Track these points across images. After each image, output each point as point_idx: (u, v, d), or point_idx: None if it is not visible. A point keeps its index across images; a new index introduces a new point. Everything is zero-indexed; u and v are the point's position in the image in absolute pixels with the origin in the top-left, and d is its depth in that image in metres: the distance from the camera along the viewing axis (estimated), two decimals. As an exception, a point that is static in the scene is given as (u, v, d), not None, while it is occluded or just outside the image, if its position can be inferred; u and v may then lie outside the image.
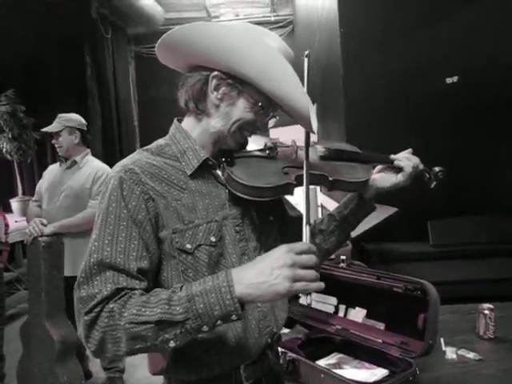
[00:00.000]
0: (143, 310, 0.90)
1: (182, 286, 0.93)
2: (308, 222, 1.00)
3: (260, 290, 0.89)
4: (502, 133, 3.49)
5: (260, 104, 1.09)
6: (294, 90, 1.05)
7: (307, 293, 0.91)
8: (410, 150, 1.35)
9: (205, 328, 0.91)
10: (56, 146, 3.13)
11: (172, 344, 0.91)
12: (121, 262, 0.96)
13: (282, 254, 0.89)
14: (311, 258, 0.90)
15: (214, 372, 1.08)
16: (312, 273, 0.89)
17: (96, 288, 0.94)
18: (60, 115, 3.15)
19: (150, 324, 0.89)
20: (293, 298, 2.07)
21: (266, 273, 0.89)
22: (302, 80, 1.09)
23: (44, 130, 3.16)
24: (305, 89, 1.14)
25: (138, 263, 0.97)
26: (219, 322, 0.91)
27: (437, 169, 1.38)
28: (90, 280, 0.95)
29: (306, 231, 0.99)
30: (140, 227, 0.99)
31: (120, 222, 0.98)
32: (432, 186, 1.38)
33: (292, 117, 1.15)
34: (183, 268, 1.04)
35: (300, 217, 1.31)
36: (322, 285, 0.90)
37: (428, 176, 1.38)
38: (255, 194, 1.09)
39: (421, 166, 1.33)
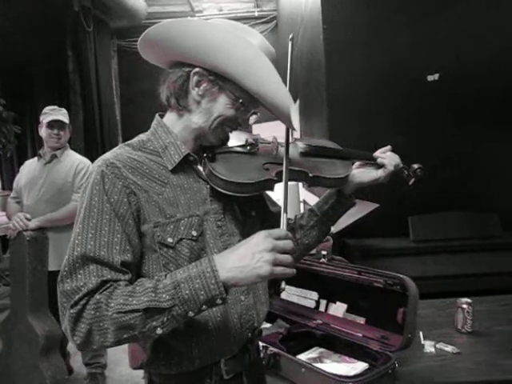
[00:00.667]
0: (130, 299, 0.91)
1: (166, 275, 0.95)
2: (285, 211, 1.03)
3: (243, 273, 0.92)
4: (483, 130, 3.53)
5: (241, 100, 1.10)
6: (274, 87, 1.06)
7: (283, 278, 0.95)
8: (389, 147, 1.37)
9: (190, 313, 0.93)
10: (55, 138, 3.10)
11: (159, 331, 0.93)
12: (105, 255, 0.96)
13: (262, 239, 0.93)
14: (289, 244, 0.94)
15: (195, 365, 1.08)
16: (289, 257, 0.93)
17: (80, 281, 0.94)
18: (58, 108, 3.16)
19: (138, 312, 0.91)
20: (275, 292, 2.09)
21: (247, 257, 0.92)
22: (285, 64, 1.10)
23: (57, 118, 3.09)
24: (288, 72, 1.16)
25: (121, 256, 0.98)
26: (204, 306, 0.93)
27: (415, 166, 1.40)
28: (74, 273, 0.95)
29: (283, 219, 1.02)
30: (122, 221, 1.00)
31: (103, 216, 0.99)
32: (411, 182, 1.40)
33: (273, 113, 1.16)
34: (164, 262, 1.04)
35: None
36: (294, 271, 0.94)
37: (407, 173, 1.40)
38: (236, 189, 1.10)
39: (401, 164, 1.36)
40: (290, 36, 1.25)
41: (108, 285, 0.95)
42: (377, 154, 1.35)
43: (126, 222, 1.00)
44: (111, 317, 0.91)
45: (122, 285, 0.95)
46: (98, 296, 0.93)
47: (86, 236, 0.97)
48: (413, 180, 1.40)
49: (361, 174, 1.35)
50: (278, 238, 0.93)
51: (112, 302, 0.92)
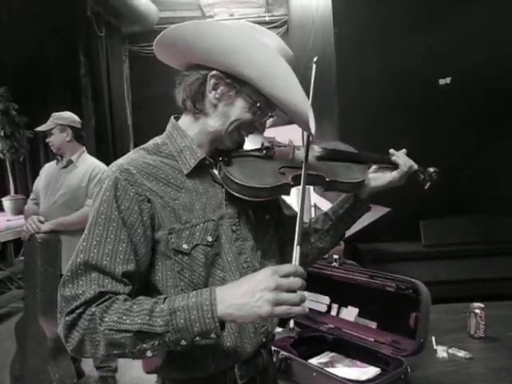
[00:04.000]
0: (124, 317, 0.90)
1: (165, 298, 0.94)
2: (299, 243, 0.98)
3: (241, 311, 0.89)
4: (495, 133, 3.51)
5: (258, 104, 1.09)
6: (293, 91, 1.05)
7: (290, 317, 0.91)
8: (404, 150, 1.36)
9: (183, 342, 0.92)
10: (49, 144, 3.15)
11: (149, 354, 0.92)
12: (107, 264, 0.95)
13: (265, 277, 0.89)
14: (296, 282, 0.90)
15: (209, 371, 1.07)
16: (296, 296, 0.88)
17: (80, 289, 0.94)
18: (53, 114, 3.16)
19: (130, 333, 0.90)
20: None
21: (248, 294, 0.89)
22: (308, 86, 1.09)
23: (36, 129, 3.20)
24: (311, 94, 1.15)
25: (124, 266, 0.97)
26: (198, 338, 0.92)
27: (431, 169, 1.38)
28: (76, 279, 0.95)
29: (296, 252, 0.97)
30: (130, 229, 0.99)
31: (110, 224, 0.98)
32: (426, 186, 1.39)
33: (290, 117, 1.15)
34: (179, 268, 1.03)
35: (295, 216, 1.31)
36: (306, 309, 0.90)
37: (423, 177, 1.38)
38: (251, 194, 1.09)
39: (415, 167, 1.34)
40: (315, 59, 1.22)
41: (106, 297, 0.94)
42: (393, 151, 1.34)
43: (135, 230, 0.99)
44: (103, 332, 0.91)
45: (121, 299, 0.94)
46: (93, 308, 0.92)
47: (91, 243, 0.97)
48: (428, 184, 1.38)
49: (376, 178, 1.33)
50: (286, 275, 0.90)
51: (106, 317, 0.91)
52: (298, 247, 0.98)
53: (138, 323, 0.90)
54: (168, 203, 1.03)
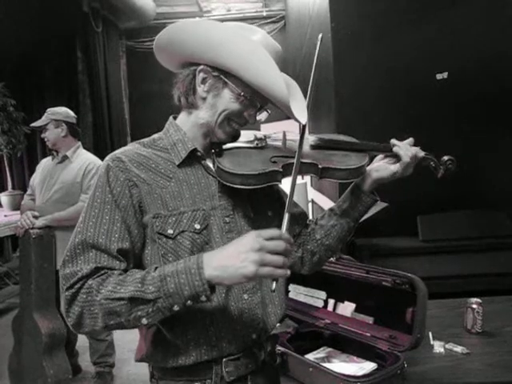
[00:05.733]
0: (118, 287, 0.96)
1: (156, 267, 0.99)
2: (288, 210, 1.01)
3: (227, 273, 0.92)
4: (493, 128, 3.50)
5: (242, 94, 1.12)
6: (272, 79, 1.07)
7: (274, 279, 0.94)
8: (411, 139, 1.30)
9: (175, 307, 0.95)
10: (45, 139, 3.15)
11: (144, 321, 0.96)
12: (103, 242, 1.02)
13: (250, 239, 0.93)
14: (280, 245, 0.92)
15: (191, 360, 1.08)
16: (279, 259, 0.91)
17: (78, 266, 1.00)
18: (48, 109, 3.15)
19: (124, 300, 0.95)
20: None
21: (233, 256, 0.93)
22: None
23: (31, 124, 3.21)
24: (312, 70, 1.20)
25: (119, 244, 1.03)
26: (189, 301, 0.95)
27: (446, 157, 1.32)
28: (74, 259, 1.01)
29: (285, 219, 0.99)
30: (123, 211, 1.05)
31: (104, 206, 1.04)
32: (439, 175, 1.32)
33: (275, 106, 1.17)
34: (163, 252, 1.07)
35: (301, 213, 1.32)
36: (287, 272, 0.93)
37: (434, 165, 1.32)
38: (240, 181, 1.10)
39: (421, 154, 1.28)
40: (320, 36, 1.26)
41: (102, 272, 1.00)
42: (394, 142, 1.29)
43: (127, 212, 1.05)
44: (99, 302, 0.96)
45: (116, 273, 1.00)
46: (90, 281, 0.98)
47: (87, 224, 1.03)
48: (441, 173, 1.32)
49: (379, 168, 1.28)
50: (270, 239, 0.92)
51: (103, 289, 0.96)
52: (288, 214, 1.00)
53: (130, 290, 0.95)
54: (155, 190, 1.09)
